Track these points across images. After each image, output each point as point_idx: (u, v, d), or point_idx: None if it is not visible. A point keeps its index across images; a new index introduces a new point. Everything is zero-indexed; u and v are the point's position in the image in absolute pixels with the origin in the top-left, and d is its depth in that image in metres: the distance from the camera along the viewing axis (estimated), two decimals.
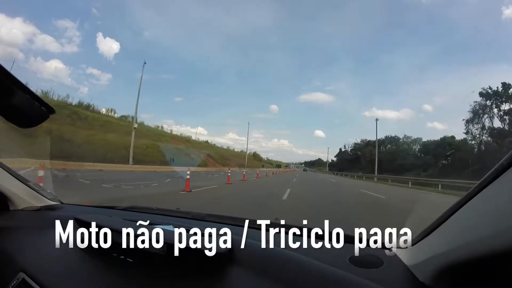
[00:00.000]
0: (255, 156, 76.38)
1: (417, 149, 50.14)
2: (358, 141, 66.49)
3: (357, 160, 61.03)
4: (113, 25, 68.69)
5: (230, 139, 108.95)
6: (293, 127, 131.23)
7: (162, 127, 45.25)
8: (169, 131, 45.32)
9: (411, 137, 52.02)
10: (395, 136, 55.59)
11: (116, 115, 37.93)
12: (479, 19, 60.86)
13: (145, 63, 27.45)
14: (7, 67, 0.52)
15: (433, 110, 70.13)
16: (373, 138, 60.03)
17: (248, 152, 76.21)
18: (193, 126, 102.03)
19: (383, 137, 57.17)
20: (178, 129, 79.23)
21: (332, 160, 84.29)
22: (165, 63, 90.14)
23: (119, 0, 67.89)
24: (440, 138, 43.82)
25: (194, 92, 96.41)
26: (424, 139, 49.90)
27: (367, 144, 59.68)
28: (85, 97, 60.91)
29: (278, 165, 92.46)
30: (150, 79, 66.83)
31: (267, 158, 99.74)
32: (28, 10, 54.44)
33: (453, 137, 42.65)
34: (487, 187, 0.46)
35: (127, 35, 71.01)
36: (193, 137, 51.13)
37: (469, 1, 64.44)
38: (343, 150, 72.80)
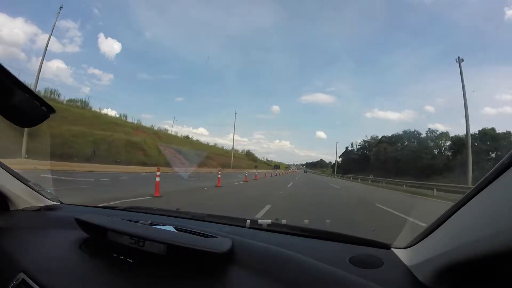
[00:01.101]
0: (249, 155, 66.97)
1: (445, 146, 40.39)
2: (368, 138, 56.68)
3: (366, 160, 51.60)
4: (115, 26, 69.55)
5: (231, 139, 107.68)
6: (294, 128, 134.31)
7: (125, 116, 36.53)
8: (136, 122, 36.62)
9: (437, 131, 42.20)
10: (415, 131, 45.79)
11: (61, 98, 29.33)
12: (480, 20, 62.70)
13: (61, 7, 18.49)
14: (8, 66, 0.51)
15: (435, 111, 69.52)
16: (385, 134, 51.11)
17: (241, 150, 67.28)
18: (194, 127, 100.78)
19: (401, 132, 47.57)
20: (179, 130, 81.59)
21: (336, 161, 75.80)
22: (166, 63, 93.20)
23: (120, 1, 68.55)
24: (478, 131, 34.49)
25: (195, 92, 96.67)
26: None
27: (380, 141, 50.08)
28: (86, 97, 57.63)
29: (277, 166, 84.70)
30: (151, 79, 68.88)
31: (266, 158, 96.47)
32: (30, 10, 53.57)
33: (493, 129, 33.68)
34: (487, 187, 0.46)
35: (129, 35, 73.31)
36: (171, 131, 42.46)
37: (470, 2, 65.86)
38: (349, 149, 63.31)
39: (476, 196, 0.49)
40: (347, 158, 63.07)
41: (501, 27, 49.34)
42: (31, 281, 0.69)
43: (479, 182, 0.47)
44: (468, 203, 0.51)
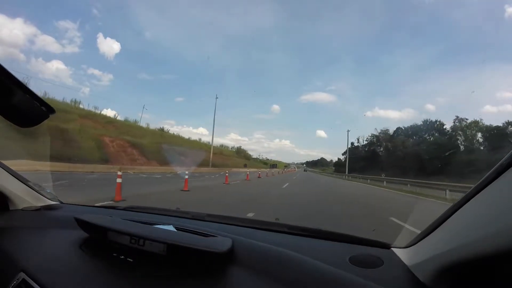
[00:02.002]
0: (240, 152, 58.92)
1: (479, 138, 32.64)
2: (377, 132, 48.78)
3: (375, 157, 44.16)
4: (114, 26, 69.47)
5: (231, 139, 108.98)
6: (294, 127, 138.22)
7: (79, 102, 29.48)
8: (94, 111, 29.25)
9: (466, 119, 34.30)
10: (437, 120, 37.92)
11: None
12: (480, 19, 59.55)
13: None
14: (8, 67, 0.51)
15: (436, 110, 68.48)
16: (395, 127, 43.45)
17: (231, 147, 59.73)
18: (195, 127, 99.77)
19: (420, 123, 39.70)
20: (180, 130, 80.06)
21: (338, 159, 68.76)
22: (166, 63, 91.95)
23: (119, 1, 67.52)
24: None
25: (195, 92, 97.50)
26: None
27: (395, 134, 42.20)
28: (87, 98, 55.66)
29: (273, 165, 78.42)
30: (151, 79, 66.91)
31: (266, 158, 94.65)
32: (29, 11, 51.61)
33: None
34: (487, 187, 0.46)
35: (128, 35, 72.59)
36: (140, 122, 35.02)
37: (470, 1, 64.62)
38: (355, 145, 55.60)
39: (476, 196, 0.49)
40: (352, 156, 55.62)
41: (501, 25, 46.93)
42: (31, 280, 0.69)
43: (479, 182, 0.47)
44: (468, 203, 0.51)
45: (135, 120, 35.35)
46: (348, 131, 42.42)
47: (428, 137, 37.23)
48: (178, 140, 36.04)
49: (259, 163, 70.86)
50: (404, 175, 26.03)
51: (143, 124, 35.29)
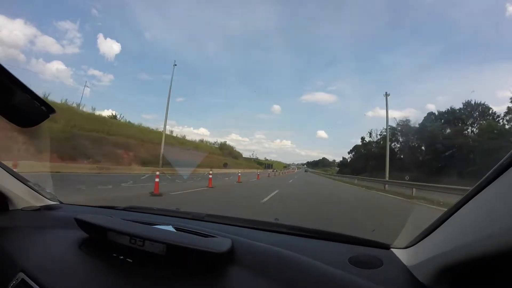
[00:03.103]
0: (224, 148, 48.32)
1: None
2: (395, 123, 38.79)
3: (392, 156, 35.09)
4: (114, 26, 66.10)
5: (232, 140, 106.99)
6: (295, 127, 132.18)
7: None
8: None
9: None
10: (481, 102, 28.36)
11: None
12: (481, 17, 59.36)
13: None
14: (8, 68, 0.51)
15: (436, 110, 58.58)
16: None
17: (214, 141, 50.29)
18: (195, 127, 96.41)
19: (461, 106, 29.75)
20: (181, 130, 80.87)
21: (343, 158, 60.18)
22: (166, 63, 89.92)
23: (119, 1, 65.73)
24: None
25: (196, 92, 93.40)
26: None
27: (425, 121, 32.28)
28: (87, 98, 57.06)
29: (268, 165, 69.72)
30: (152, 79, 68.22)
31: (265, 158, 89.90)
32: (29, 12, 50.29)
33: None
34: (487, 187, 0.46)
35: (128, 36, 69.79)
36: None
37: (471, 1, 62.84)
38: (366, 141, 46.36)
39: (476, 197, 0.48)
40: (361, 155, 46.66)
41: (502, 24, 44.91)
42: (30, 280, 0.69)
43: (478, 182, 0.47)
44: (467, 204, 0.51)
45: (78, 104, 26.21)
46: (386, 94, 22.77)
47: (466, 127, 28.09)
48: (133, 130, 26.72)
49: (252, 163, 61.62)
50: (441, 178, 17.19)
51: (88, 109, 26.11)
